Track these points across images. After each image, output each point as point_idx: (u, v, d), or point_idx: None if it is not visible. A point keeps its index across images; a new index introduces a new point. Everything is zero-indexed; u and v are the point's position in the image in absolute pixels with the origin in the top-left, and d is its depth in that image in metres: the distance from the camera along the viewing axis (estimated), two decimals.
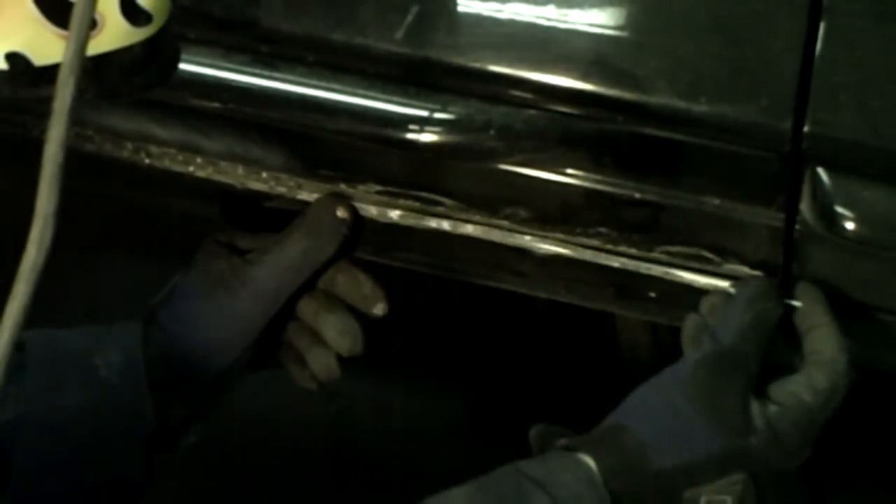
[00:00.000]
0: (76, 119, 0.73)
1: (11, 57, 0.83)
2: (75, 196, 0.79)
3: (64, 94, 0.74)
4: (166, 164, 1.25)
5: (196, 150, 1.24)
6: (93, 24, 0.83)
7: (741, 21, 1.03)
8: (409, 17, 1.09)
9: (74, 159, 0.74)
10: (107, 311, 1.63)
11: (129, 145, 1.25)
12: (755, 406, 1.05)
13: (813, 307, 1.10)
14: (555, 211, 1.16)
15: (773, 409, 1.05)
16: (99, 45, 0.84)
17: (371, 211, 1.23)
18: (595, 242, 1.18)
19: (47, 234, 0.74)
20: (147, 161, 1.26)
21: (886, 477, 1.79)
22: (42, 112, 0.75)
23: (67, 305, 1.81)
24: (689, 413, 1.05)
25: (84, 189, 1.36)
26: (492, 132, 1.10)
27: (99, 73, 0.86)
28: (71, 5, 0.79)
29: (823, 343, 1.08)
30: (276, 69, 1.13)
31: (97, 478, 1.12)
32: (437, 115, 1.11)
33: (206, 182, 1.25)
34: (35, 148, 0.74)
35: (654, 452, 1.04)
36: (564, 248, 1.19)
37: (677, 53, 1.04)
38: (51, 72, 0.78)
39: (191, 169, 1.25)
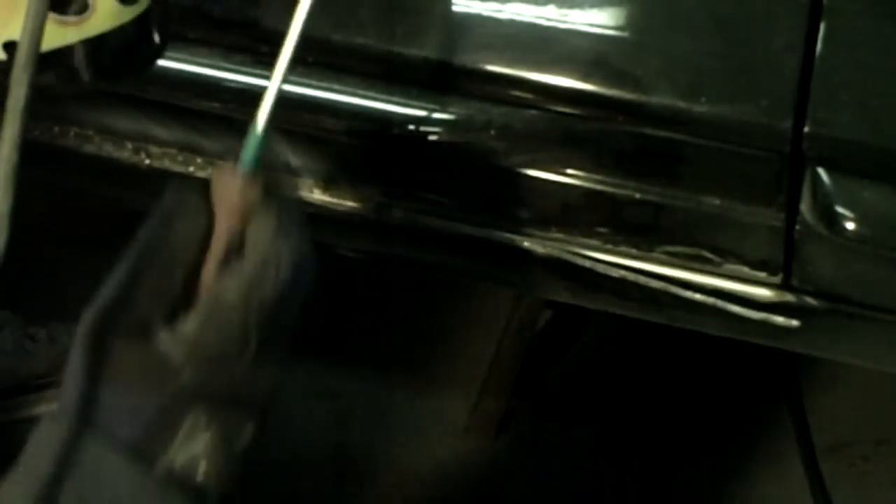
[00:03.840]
0: (76, 119, 0.73)
1: (9, 46, 0.82)
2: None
3: (18, 93, 0.73)
4: (166, 164, 1.25)
5: (196, 151, 1.24)
6: (84, 7, 0.83)
7: (741, 21, 1.03)
8: (410, 18, 1.09)
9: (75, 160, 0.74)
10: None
11: (129, 145, 1.25)
12: (165, 341, 0.88)
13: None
14: (555, 211, 1.16)
15: (187, 323, 0.88)
16: (92, 27, 0.84)
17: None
18: (595, 242, 1.17)
19: (2, 236, 0.74)
20: (147, 162, 1.26)
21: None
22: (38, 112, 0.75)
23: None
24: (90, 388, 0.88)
25: (84, 189, 1.36)
26: (492, 132, 1.10)
27: (94, 57, 0.86)
28: None
29: (255, 224, 0.91)
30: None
31: None
32: (438, 115, 1.11)
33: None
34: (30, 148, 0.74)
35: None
36: (564, 248, 1.19)
37: (677, 53, 1.04)
38: (51, 58, 0.77)
39: (191, 169, 1.25)
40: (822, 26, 1.01)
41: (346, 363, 1.94)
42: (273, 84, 0.90)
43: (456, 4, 1.08)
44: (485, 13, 1.07)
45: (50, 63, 0.80)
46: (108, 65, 0.87)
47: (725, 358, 1.89)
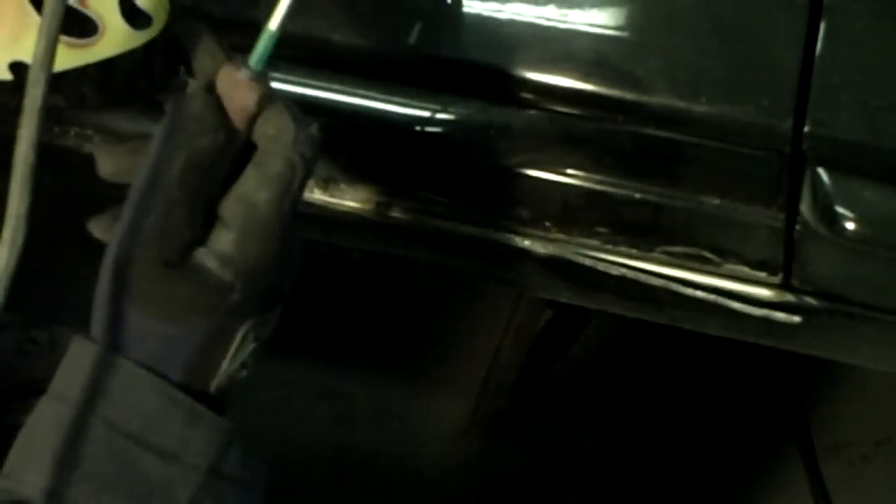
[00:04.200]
0: (75, 119, 0.73)
1: (15, 67, 0.81)
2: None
3: (35, 93, 0.73)
4: None
5: None
6: (93, 30, 0.82)
7: (741, 21, 1.03)
8: (410, 18, 1.09)
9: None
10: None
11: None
12: (201, 259, 0.85)
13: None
14: (555, 211, 1.16)
15: (223, 240, 0.85)
16: (101, 50, 0.83)
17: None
18: (595, 242, 1.18)
19: (19, 236, 0.73)
20: None
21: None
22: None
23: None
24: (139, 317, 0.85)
25: (84, 189, 1.36)
26: (492, 132, 1.10)
27: (103, 80, 0.85)
28: (76, 13, 0.78)
29: (269, 122, 0.88)
30: (276, 69, 1.13)
31: None
32: (438, 115, 1.11)
33: None
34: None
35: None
36: (564, 248, 1.19)
37: (677, 53, 1.04)
38: (56, 80, 0.76)
39: None
40: (822, 26, 1.01)
41: (346, 363, 1.94)
42: None
43: (456, 4, 1.08)
44: (485, 13, 1.07)
45: (58, 85, 0.79)
46: (116, 90, 0.86)
47: (725, 358, 1.89)
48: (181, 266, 0.84)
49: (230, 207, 0.85)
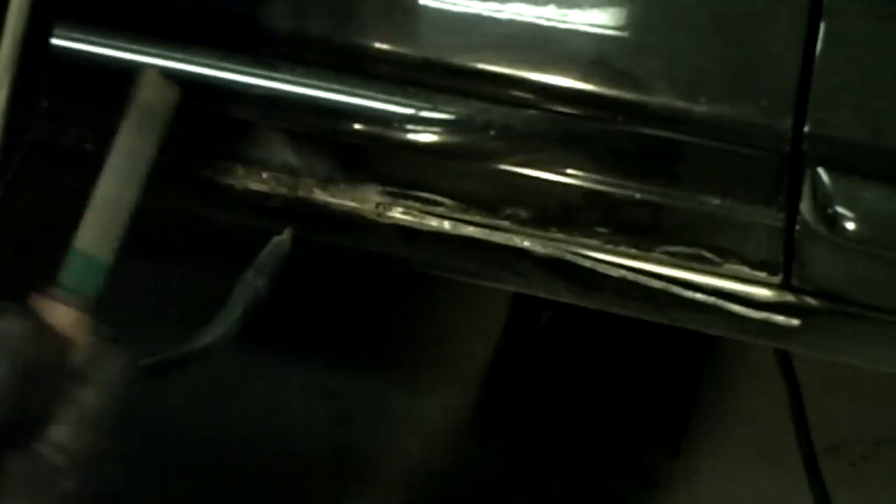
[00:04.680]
0: (75, 119, 0.73)
1: None
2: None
3: (0, 96, 0.73)
4: (165, 163, 1.25)
5: (196, 150, 1.23)
6: None
7: (741, 21, 1.03)
8: (409, 18, 1.09)
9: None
10: None
11: None
12: (47, 450, 0.93)
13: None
14: (555, 211, 1.16)
15: (62, 436, 0.93)
16: None
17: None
18: (595, 242, 1.17)
19: None
20: None
21: None
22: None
23: None
24: None
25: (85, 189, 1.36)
26: (492, 132, 1.10)
27: None
28: None
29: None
30: (277, 69, 1.13)
31: None
32: (438, 115, 1.11)
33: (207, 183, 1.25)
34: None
35: None
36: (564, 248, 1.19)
37: (677, 53, 1.04)
38: None
39: (189, 168, 1.25)
40: (822, 26, 1.01)
41: (346, 363, 1.94)
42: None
43: (456, 4, 1.08)
44: (485, 13, 1.07)
45: None
46: None
47: (725, 358, 1.89)
48: (27, 453, 0.91)
49: (67, 406, 0.92)
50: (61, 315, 0.91)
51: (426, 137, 1.11)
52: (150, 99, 0.94)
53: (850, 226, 1.04)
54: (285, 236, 1.23)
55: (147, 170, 0.94)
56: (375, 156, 1.18)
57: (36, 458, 0.91)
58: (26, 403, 0.90)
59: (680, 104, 1.03)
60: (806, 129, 1.01)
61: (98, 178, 0.93)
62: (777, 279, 1.14)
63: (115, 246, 0.93)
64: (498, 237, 1.20)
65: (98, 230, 0.93)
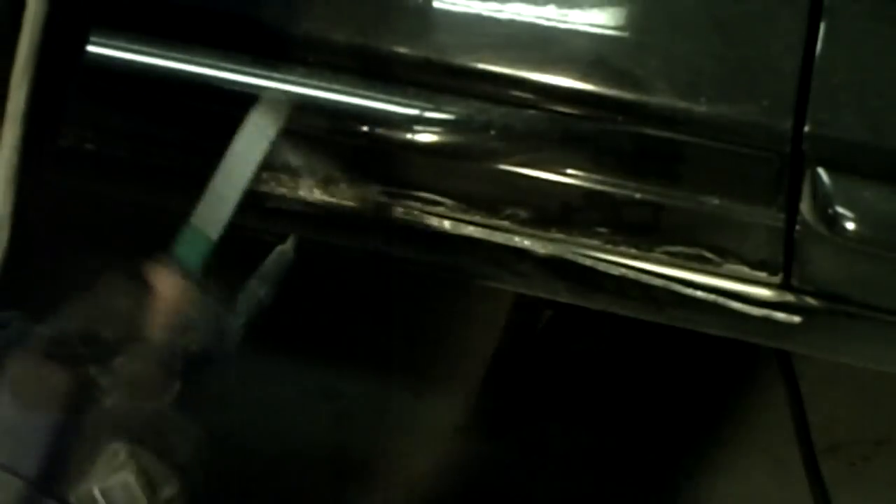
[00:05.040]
0: (74, 119, 0.73)
1: None
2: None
3: (17, 97, 0.73)
4: (166, 163, 1.25)
5: (196, 150, 1.23)
6: None
7: (741, 21, 1.03)
8: (409, 18, 1.09)
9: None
10: None
11: (129, 145, 1.25)
12: (94, 369, 0.94)
13: None
14: (555, 211, 1.16)
15: (115, 361, 0.96)
16: None
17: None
18: (595, 242, 1.17)
19: (4, 236, 0.74)
20: (147, 161, 1.26)
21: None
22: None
23: None
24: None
25: (84, 189, 1.36)
26: (492, 132, 1.10)
27: None
28: None
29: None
30: (276, 69, 1.13)
31: None
32: (438, 115, 1.11)
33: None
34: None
35: None
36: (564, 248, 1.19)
37: (677, 53, 1.04)
38: None
39: (192, 168, 1.25)
40: (822, 26, 1.01)
41: (346, 363, 1.94)
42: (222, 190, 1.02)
43: (456, 4, 1.08)
44: (485, 13, 1.07)
45: None
46: None
47: (725, 358, 1.89)
48: (69, 366, 0.92)
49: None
50: (168, 278, 0.97)
51: (426, 137, 1.11)
52: (269, 109, 1.04)
53: (850, 226, 1.04)
54: (289, 245, 1.23)
55: (258, 166, 1.03)
56: (375, 156, 1.18)
57: (85, 375, 0.92)
58: (99, 332, 0.93)
59: (680, 104, 1.03)
60: (806, 129, 1.01)
61: (218, 164, 1.03)
62: (777, 279, 1.14)
63: (223, 225, 1.03)
64: (498, 237, 1.21)
65: (211, 209, 1.03)
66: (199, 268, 1.00)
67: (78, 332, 0.92)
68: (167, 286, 0.97)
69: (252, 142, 1.04)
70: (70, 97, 0.94)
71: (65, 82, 0.89)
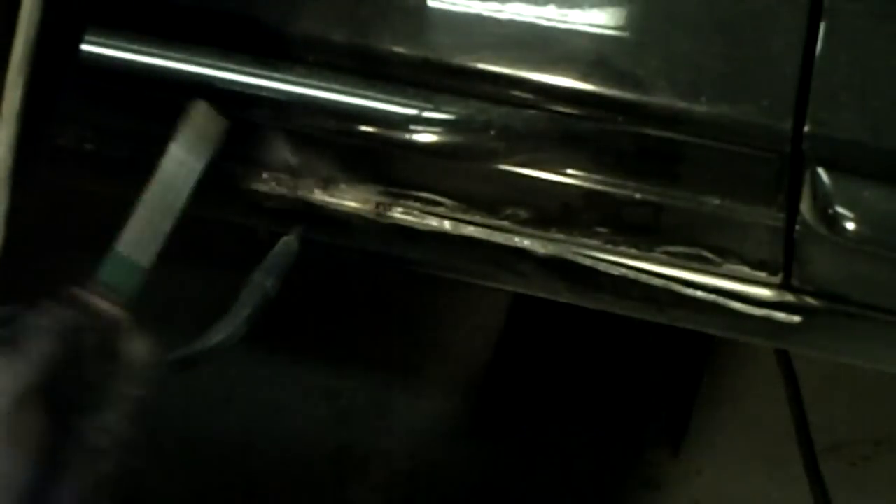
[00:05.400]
0: (75, 119, 0.73)
1: None
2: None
3: (12, 97, 0.73)
4: None
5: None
6: None
7: (741, 21, 1.03)
8: (409, 18, 1.09)
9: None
10: None
11: (129, 145, 1.25)
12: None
13: None
14: (555, 211, 1.16)
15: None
16: None
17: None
18: (595, 242, 1.17)
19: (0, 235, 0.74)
20: (147, 161, 1.25)
21: None
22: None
23: None
24: None
25: (84, 189, 1.36)
26: (492, 132, 1.10)
27: None
28: None
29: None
30: (276, 69, 1.13)
31: None
32: (438, 115, 1.11)
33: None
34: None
35: None
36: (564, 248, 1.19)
37: (677, 53, 1.04)
38: None
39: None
40: (822, 26, 1.01)
41: (346, 363, 1.94)
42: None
43: (456, 4, 1.08)
44: (485, 13, 1.07)
45: None
46: None
47: (725, 358, 1.89)
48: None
49: None
50: (100, 309, 0.93)
51: (426, 137, 1.11)
52: (201, 122, 1.00)
53: (850, 226, 1.04)
54: (293, 236, 1.23)
55: (193, 186, 0.99)
56: (375, 156, 1.18)
57: (81, 438, 0.91)
58: (78, 386, 0.91)
59: (680, 104, 1.03)
60: (806, 129, 1.01)
61: (147, 184, 0.98)
62: (777, 279, 1.14)
63: (154, 252, 0.97)
64: (498, 237, 1.20)
65: (140, 235, 0.96)
66: (130, 298, 0.95)
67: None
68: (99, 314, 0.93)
69: (187, 157, 0.99)
70: (63, 96, 0.94)
71: (60, 81, 0.89)
